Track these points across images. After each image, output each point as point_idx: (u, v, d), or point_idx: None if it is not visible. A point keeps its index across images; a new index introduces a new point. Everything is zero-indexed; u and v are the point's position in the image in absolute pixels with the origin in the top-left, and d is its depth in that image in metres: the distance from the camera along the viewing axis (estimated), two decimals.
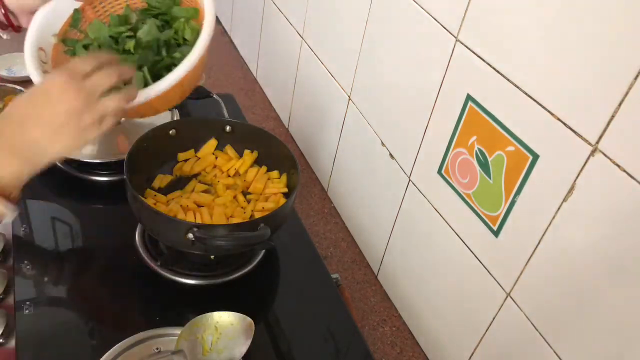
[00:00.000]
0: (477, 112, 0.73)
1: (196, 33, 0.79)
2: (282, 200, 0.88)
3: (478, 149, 0.74)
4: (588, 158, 0.59)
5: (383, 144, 0.97)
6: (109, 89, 0.62)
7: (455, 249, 0.82)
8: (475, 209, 0.76)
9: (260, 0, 1.42)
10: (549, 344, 0.68)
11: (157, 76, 0.73)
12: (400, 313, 0.98)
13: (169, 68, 0.74)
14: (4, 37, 0.82)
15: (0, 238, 0.84)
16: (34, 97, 0.60)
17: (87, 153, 0.97)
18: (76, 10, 0.81)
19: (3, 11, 0.78)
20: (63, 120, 0.58)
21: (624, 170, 0.55)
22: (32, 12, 0.78)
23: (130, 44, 0.78)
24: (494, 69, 0.69)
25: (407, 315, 0.97)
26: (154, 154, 0.90)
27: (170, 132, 0.92)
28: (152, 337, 0.74)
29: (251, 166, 0.94)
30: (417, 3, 0.82)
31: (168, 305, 0.83)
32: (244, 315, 0.74)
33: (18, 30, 0.82)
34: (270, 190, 0.90)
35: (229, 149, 0.96)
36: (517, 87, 0.66)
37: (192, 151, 0.95)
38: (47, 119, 0.58)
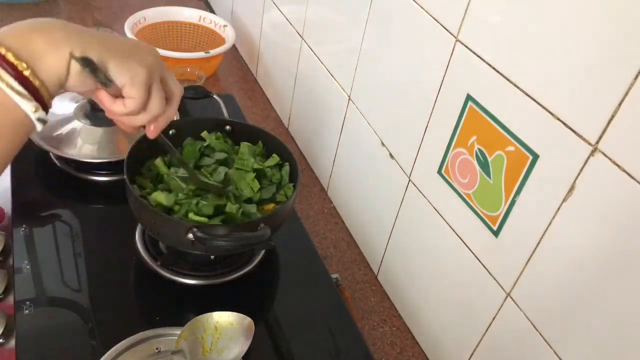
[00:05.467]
0: (477, 112, 0.73)
1: None
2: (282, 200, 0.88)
3: (478, 149, 0.74)
4: (588, 158, 0.59)
5: (383, 144, 0.97)
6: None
7: (455, 249, 0.82)
8: (475, 209, 0.76)
9: (260, 0, 1.42)
10: (549, 344, 0.68)
11: None
12: (400, 313, 0.98)
13: None
14: None
15: (0, 238, 0.84)
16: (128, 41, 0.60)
17: (87, 153, 0.97)
18: None
19: None
20: (136, 55, 0.58)
21: (624, 170, 0.55)
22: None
23: None
24: (494, 69, 0.69)
25: (407, 315, 0.97)
26: (154, 154, 0.90)
27: (170, 132, 0.91)
28: (152, 337, 0.74)
29: None
30: (417, 3, 0.82)
31: (168, 305, 0.83)
32: (244, 315, 0.74)
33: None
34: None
35: None
36: (517, 87, 0.66)
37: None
38: (130, 48, 0.58)
